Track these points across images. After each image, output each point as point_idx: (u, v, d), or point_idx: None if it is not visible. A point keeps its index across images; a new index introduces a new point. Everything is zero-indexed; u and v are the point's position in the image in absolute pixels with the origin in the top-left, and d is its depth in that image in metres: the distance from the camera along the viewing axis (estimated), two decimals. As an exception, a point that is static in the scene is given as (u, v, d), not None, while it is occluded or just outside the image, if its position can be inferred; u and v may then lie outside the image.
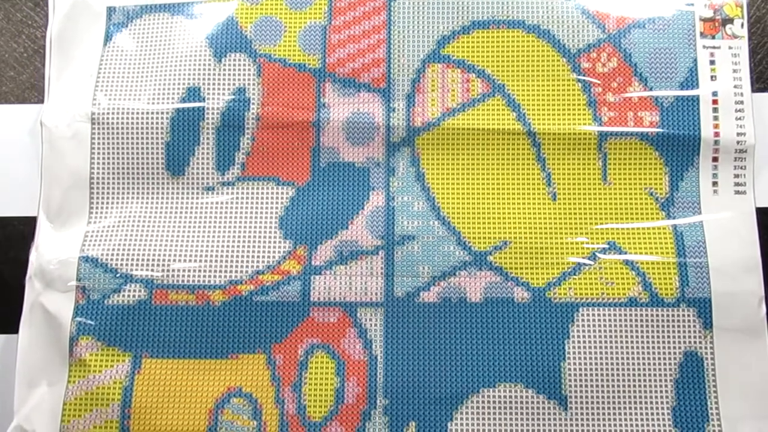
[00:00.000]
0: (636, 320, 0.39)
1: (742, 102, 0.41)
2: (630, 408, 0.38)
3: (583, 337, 0.39)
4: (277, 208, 0.41)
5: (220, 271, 0.40)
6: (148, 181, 0.41)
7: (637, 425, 0.38)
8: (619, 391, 0.38)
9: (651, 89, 0.41)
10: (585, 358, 0.38)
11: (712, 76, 0.41)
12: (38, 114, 0.42)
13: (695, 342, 0.39)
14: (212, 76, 0.42)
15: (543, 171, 0.41)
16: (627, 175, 0.41)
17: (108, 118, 0.41)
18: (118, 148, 0.41)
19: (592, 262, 0.40)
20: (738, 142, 0.41)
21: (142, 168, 0.41)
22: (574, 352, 0.38)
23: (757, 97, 0.41)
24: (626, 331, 0.39)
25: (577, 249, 0.40)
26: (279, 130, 0.41)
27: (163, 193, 0.41)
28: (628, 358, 0.38)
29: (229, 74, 0.42)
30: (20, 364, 0.39)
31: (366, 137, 0.41)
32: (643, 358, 0.38)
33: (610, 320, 0.39)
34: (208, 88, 0.42)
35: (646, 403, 0.38)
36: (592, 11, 0.42)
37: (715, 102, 0.41)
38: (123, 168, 0.41)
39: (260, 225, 0.41)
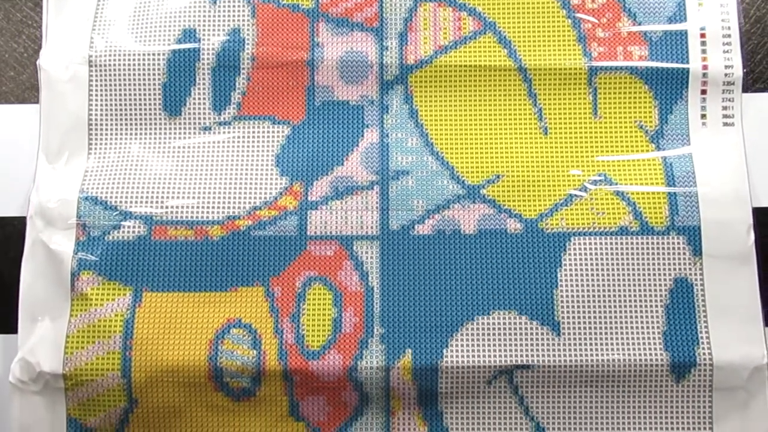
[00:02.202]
0: (627, 248, 0.39)
1: (729, 36, 0.42)
2: (621, 333, 0.39)
3: (575, 265, 0.39)
4: (273, 146, 0.42)
5: (218, 207, 0.40)
6: (146, 121, 0.42)
7: (628, 349, 0.38)
8: (610, 317, 0.39)
9: (640, 24, 0.42)
10: (577, 286, 0.39)
11: (699, 10, 0.42)
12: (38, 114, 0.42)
13: (685, 269, 0.39)
14: (207, 17, 0.42)
15: (534, 106, 0.42)
16: (617, 108, 0.42)
17: (105, 61, 0.42)
18: (115, 90, 0.42)
19: (583, 194, 0.40)
20: (726, 75, 0.41)
21: (140, 109, 0.42)
22: (566, 280, 0.39)
23: (758, 97, 0.42)
24: (617, 259, 0.39)
25: (569, 181, 0.41)
26: (274, 69, 0.42)
27: (160, 133, 0.42)
28: (619, 285, 0.39)
29: (224, 15, 0.42)
30: (23, 301, 0.40)
31: (360, 75, 0.42)
32: (634, 285, 0.39)
33: (601, 249, 0.40)
34: (204, 30, 0.42)
35: (637, 328, 0.39)
36: (581, -51, 0.43)
37: (702, 36, 0.42)
38: (121, 109, 0.42)
39: (256, 163, 0.41)
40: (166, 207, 0.40)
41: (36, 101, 0.42)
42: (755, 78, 0.42)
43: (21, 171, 0.42)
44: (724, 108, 0.41)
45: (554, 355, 0.38)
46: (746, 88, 0.42)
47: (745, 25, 0.42)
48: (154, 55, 0.42)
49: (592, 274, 0.39)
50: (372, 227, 0.40)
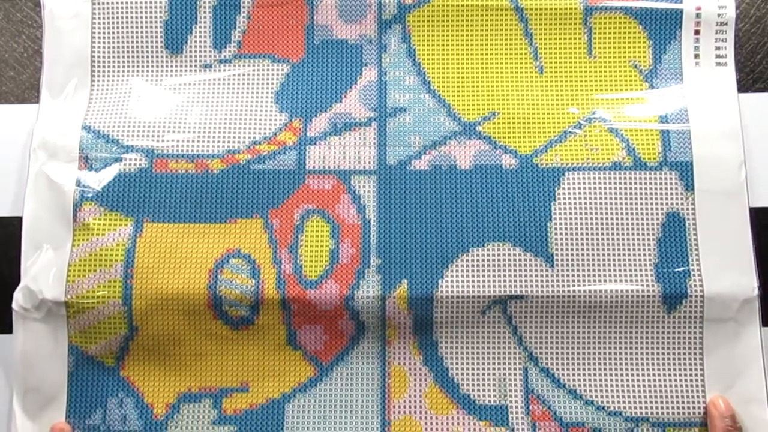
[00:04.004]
0: (620, 183, 0.40)
1: (722, -23, 0.42)
2: (614, 265, 0.39)
3: (569, 199, 0.40)
4: (272, 83, 0.42)
5: (218, 142, 0.41)
6: (148, 59, 0.43)
7: (620, 281, 0.39)
8: (603, 249, 0.39)
9: (634, -35, 0.42)
10: (570, 219, 0.40)
11: (693, -48, 0.43)
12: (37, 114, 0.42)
13: (677, 203, 0.40)
14: (208, -43, 0.43)
15: (530, 45, 0.42)
16: (611, 48, 0.42)
17: (108, -1, 0.43)
18: (118, 27, 0.42)
19: (577, 131, 0.41)
20: (719, 15, 0.42)
21: (142, 46, 0.42)
22: (560, 214, 0.40)
23: (758, 97, 0.42)
24: (610, 193, 0.40)
25: (564, 118, 0.41)
26: (274, 8, 0.43)
27: (162, 71, 0.42)
28: (612, 219, 0.40)
29: (225, -45, 0.43)
30: (26, 230, 0.40)
31: (358, 15, 0.43)
32: (627, 218, 0.40)
33: (594, 183, 0.40)
34: (205, -31, 0.43)
35: (629, 260, 0.39)
36: None
37: (696, -23, 0.42)
38: (123, 46, 0.42)
39: (256, 100, 0.42)
40: (167, 140, 0.41)
41: (36, 101, 0.42)
42: (755, 78, 0.42)
43: (22, 171, 0.42)
44: (717, 48, 0.42)
45: (547, 286, 0.39)
46: (746, 88, 0.42)
47: (744, 25, 0.43)
48: (156, -7, 0.43)
49: (586, 208, 0.40)
50: (369, 162, 0.41)
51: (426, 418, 0.39)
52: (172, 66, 0.43)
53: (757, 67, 0.43)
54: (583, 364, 0.39)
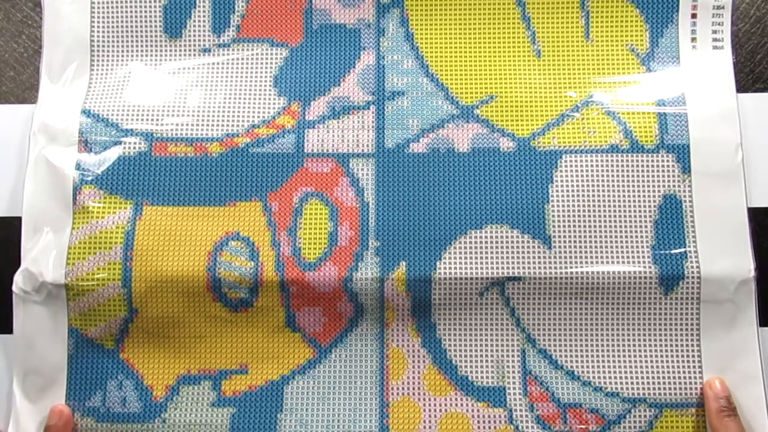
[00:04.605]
0: (617, 165, 0.40)
1: (720, -40, 0.42)
2: (611, 246, 0.39)
3: (566, 181, 0.40)
4: (271, 67, 0.42)
5: (217, 125, 0.41)
6: (147, 43, 0.43)
7: (617, 262, 0.39)
8: (600, 231, 0.40)
9: (632, -51, 0.43)
10: (568, 201, 0.40)
11: (690, -64, 0.43)
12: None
13: (674, 185, 0.40)
14: (207, -59, 0.43)
15: (528, 30, 0.43)
16: (609, 32, 0.42)
17: (107, -16, 0.43)
18: (117, 11, 0.43)
19: (575, 113, 0.41)
20: (716, -1, 0.42)
21: (141, 31, 0.43)
22: (557, 196, 0.40)
23: (758, 97, 0.42)
24: (607, 176, 0.40)
25: (562, 102, 0.41)
26: (272, -8, 0.43)
27: (161, 55, 0.43)
28: (609, 201, 0.40)
29: (224, -61, 0.43)
30: (26, 213, 0.40)
31: (357, -1, 0.43)
32: (624, 201, 0.40)
33: (592, 166, 0.40)
34: (204, -47, 0.43)
35: (626, 242, 0.40)
36: None
37: (693, -40, 0.42)
38: (122, 31, 0.43)
39: (255, 83, 0.42)
40: (166, 124, 0.41)
41: (36, 101, 0.42)
42: (755, 78, 0.42)
43: (23, 171, 0.41)
44: (714, 32, 0.42)
45: (545, 268, 0.39)
46: (746, 88, 0.42)
47: (744, 25, 0.43)
48: (154, -22, 0.43)
49: (583, 190, 0.40)
50: (368, 145, 0.41)
51: (424, 399, 0.39)
52: (171, 50, 0.43)
53: (757, 67, 0.43)
54: (581, 345, 0.39)
